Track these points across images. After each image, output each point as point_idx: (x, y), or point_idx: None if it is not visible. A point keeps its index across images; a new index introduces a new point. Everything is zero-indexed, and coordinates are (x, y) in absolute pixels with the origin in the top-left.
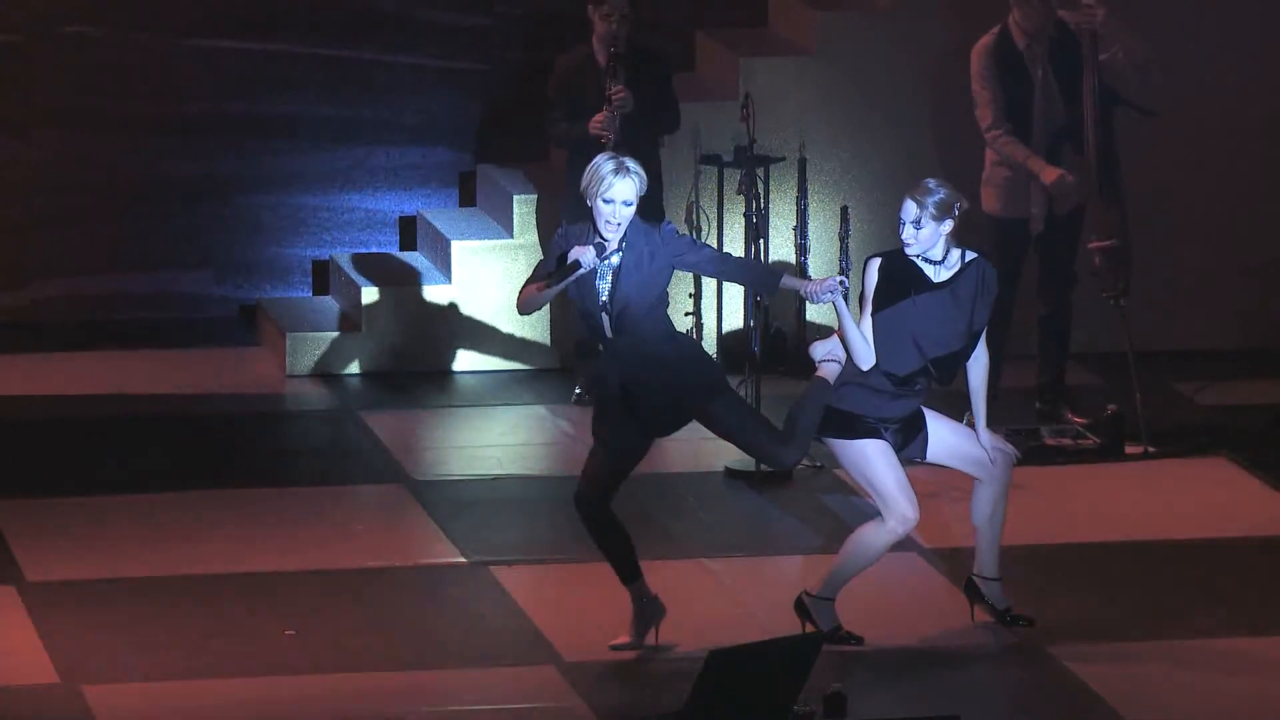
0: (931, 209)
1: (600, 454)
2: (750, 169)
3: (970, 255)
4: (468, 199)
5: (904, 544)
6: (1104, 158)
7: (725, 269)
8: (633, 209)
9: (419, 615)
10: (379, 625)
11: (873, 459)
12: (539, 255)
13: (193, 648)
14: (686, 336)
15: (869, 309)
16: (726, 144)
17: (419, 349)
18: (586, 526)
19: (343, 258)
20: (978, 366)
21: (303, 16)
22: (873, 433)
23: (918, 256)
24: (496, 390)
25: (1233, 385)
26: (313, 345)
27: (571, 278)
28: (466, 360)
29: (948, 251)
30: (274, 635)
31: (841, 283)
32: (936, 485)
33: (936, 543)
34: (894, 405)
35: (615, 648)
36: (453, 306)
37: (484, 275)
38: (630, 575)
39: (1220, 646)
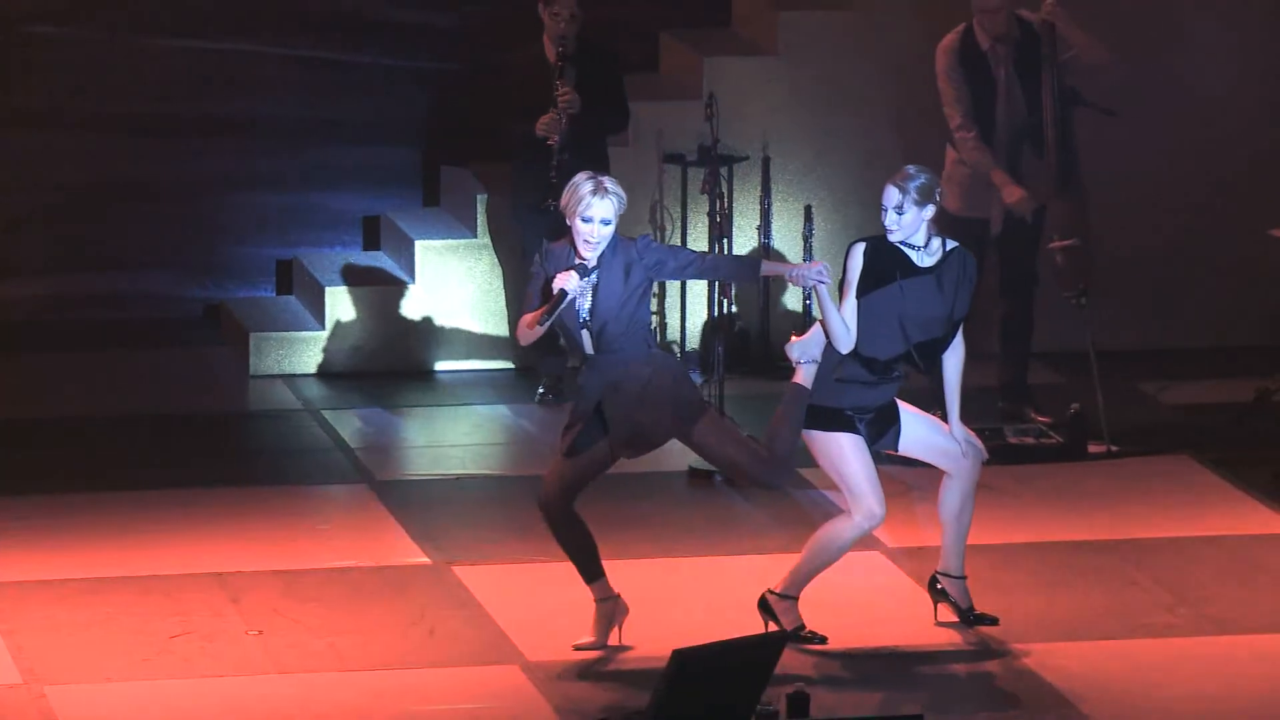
0: (914, 194)
1: (564, 463)
2: (714, 168)
3: (951, 244)
4: (431, 199)
5: (867, 542)
6: (1064, 157)
7: (706, 268)
8: (611, 227)
9: (383, 615)
10: (343, 625)
11: (846, 453)
12: (503, 255)
13: (156, 648)
14: (666, 354)
15: (852, 293)
16: (690, 143)
17: (382, 349)
18: (550, 527)
19: (306, 257)
20: (954, 359)
21: (269, 16)
22: (848, 425)
23: (900, 242)
24: (460, 390)
25: (1195, 384)
26: (276, 345)
27: (562, 305)
28: (430, 360)
29: (929, 238)
30: (238, 636)
31: (826, 268)
32: (902, 484)
33: (900, 542)
34: (870, 394)
35: (579, 647)
36: (416, 306)
37: (447, 275)
38: (593, 575)
39: (1184, 645)
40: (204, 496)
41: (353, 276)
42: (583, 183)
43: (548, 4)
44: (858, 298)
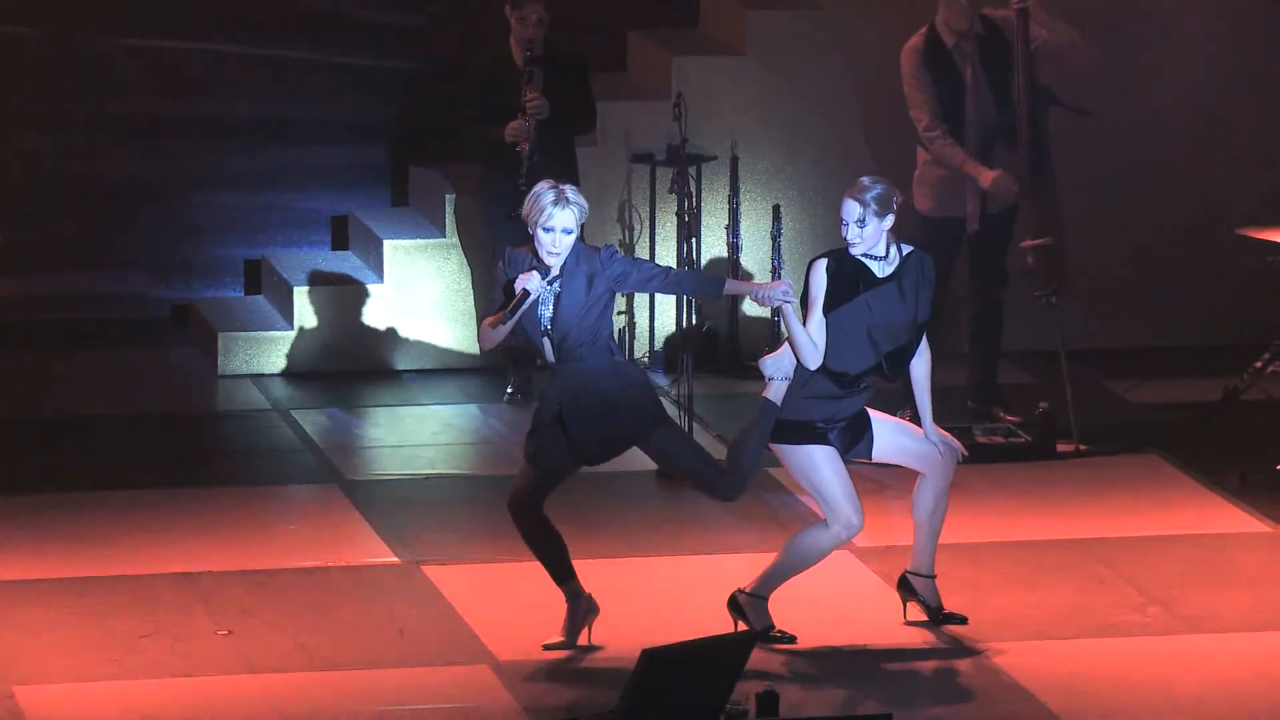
0: (874, 206)
1: (529, 467)
2: (682, 168)
3: (907, 248)
4: (400, 199)
5: None
6: (1036, 156)
7: (669, 283)
8: (573, 237)
9: (352, 615)
10: (312, 625)
11: (819, 465)
12: (470, 255)
13: (125, 648)
14: (630, 364)
15: (817, 309)
16: (659, 143)
17: (351, 348)
18: (519, 529)
19: (275, 257)
20: (921, 364)
21: (237, 16)
22: (820, 438)
23: (862, 255)
24: (428, 389)
25: (1164, 384)
26: (245, 345)
27: (524, 306)
28: (398, 359)
29: (889, 247)
30: (207, 635)
31: (791, 286)
32: (875, 483)
33: (869, 541)
34: (840, 406)
35: (549, 647)
36: (385, 306)
37: (416, 275)
38: (564, 575)
39: (1153, 644)
40: (173, 496)
41: (321, 276)
42: (544, 193)
43: (515, 7)
44: (825, 313)
